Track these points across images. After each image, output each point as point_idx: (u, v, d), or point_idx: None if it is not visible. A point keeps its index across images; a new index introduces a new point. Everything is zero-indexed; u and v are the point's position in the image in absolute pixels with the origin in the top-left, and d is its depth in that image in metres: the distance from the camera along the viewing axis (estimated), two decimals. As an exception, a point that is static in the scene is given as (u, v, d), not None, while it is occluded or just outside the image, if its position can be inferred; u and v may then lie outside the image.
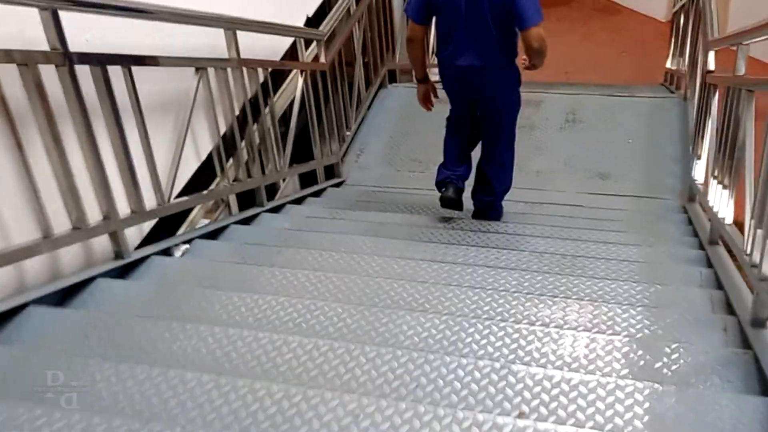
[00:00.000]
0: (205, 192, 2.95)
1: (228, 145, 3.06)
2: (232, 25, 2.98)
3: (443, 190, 3.30)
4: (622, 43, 8.75)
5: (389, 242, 2.83)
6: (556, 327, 1.92)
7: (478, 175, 3.46)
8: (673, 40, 6.35)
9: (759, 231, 1.96)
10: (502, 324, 1.88)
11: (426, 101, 3.36)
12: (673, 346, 1.76)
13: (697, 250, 2.84)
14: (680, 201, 3.88)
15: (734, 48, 2.84)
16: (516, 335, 1.84)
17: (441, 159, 3.43)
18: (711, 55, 3.43)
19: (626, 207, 3.93)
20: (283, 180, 3.89)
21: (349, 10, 4.64)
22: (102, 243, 2.29)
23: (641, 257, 2.73)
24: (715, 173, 2.86)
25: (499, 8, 2.86)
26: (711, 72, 3.41)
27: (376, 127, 5.04)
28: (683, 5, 5.63)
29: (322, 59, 4.10)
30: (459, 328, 1.87)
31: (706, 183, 3.16)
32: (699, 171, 3.45)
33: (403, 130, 4.97)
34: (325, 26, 4.13)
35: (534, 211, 3.83)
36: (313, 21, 4.36)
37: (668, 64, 6.53)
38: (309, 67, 3.93)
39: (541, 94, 5.18)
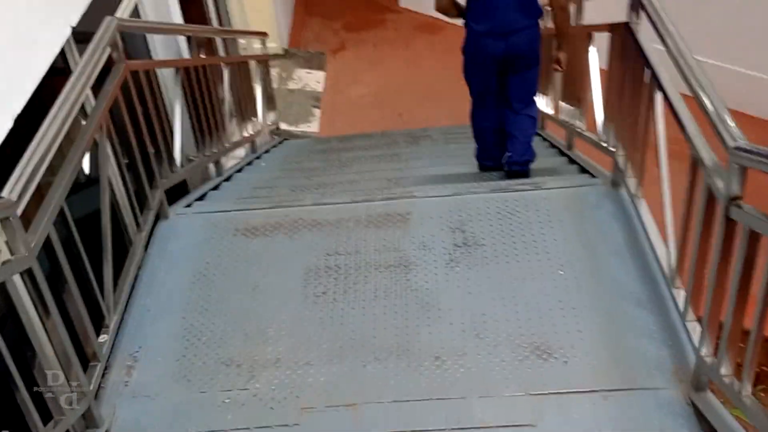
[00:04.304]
0: None
1: None
2: None
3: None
4: (452, 66, 7.16)
5: None
6: None
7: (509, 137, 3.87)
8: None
9: None
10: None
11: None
12: None
13: None
14: (681, 390, 2.38)
15: None
16: None
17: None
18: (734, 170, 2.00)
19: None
20: None
21: (83, 108, 2.66)
22: None
23: None
24: None
25: None
26: (738, 200, 2.01)
27: (158, 298, 2.97)
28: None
29: (21, 250, 2.07)
30: None
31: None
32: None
33: (202, 300, 2.96)
34: (16, 185, 2.08)
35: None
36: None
37: (545, 108, 4.96)
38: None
39: (406, 200, 3.48)
